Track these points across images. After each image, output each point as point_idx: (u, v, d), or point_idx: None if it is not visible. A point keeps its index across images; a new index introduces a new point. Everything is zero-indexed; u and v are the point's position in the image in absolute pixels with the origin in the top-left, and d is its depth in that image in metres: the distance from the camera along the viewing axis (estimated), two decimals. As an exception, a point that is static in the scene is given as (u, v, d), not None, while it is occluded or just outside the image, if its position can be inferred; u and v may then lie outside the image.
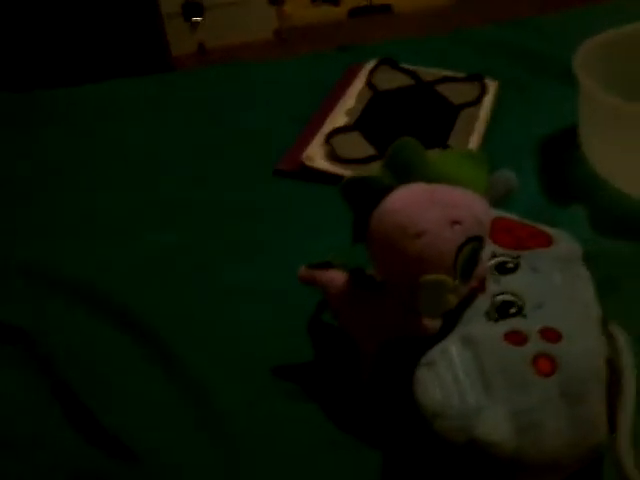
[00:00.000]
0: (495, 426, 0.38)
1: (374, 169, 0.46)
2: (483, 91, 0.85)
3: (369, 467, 0.46)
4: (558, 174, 0.72)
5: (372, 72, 0.90)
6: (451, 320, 0.46)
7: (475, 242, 0.44)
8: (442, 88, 0.87)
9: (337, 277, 0.50)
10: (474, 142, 0.77)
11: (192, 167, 0.78)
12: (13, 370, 0.55)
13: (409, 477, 0.46)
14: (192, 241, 0.67)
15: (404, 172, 0.45)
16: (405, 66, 0.91)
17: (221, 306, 0.60)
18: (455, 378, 0.42)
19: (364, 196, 0.45)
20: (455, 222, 0.43)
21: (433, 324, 0.45)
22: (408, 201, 0.44)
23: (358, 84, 0.88)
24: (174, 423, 0.51)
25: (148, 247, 0.66)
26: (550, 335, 0.42)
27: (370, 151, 0.77)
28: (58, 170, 0.77)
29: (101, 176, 0.77)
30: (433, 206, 0.43)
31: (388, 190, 0.45)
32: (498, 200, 0.57)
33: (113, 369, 0.55)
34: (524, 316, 0.44)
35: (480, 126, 0.79)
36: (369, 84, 0.88)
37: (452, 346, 0.44)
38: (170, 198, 0.73)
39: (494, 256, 0.49)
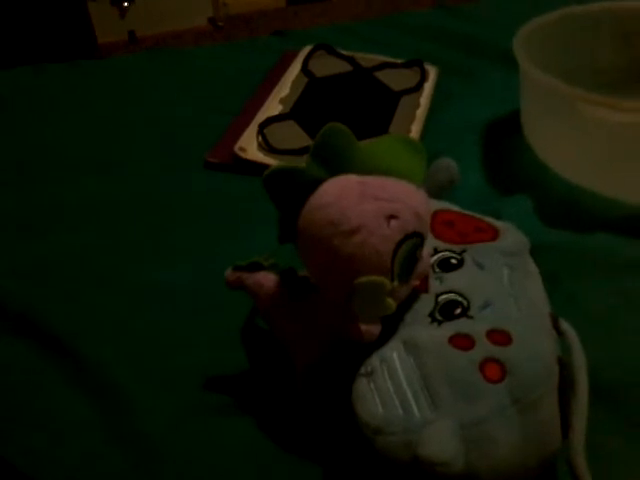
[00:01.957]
0: (441, 443, 0.35)
1: (302, 160, 0.41)
2: (423, 77, 0.82)
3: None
4: (502, 162, 0.69)
5: (308, 58, 0.86)
6: (391, 324, 0.42)
7: (414, 238, 0.40)
8: (381, 74, 0.84)
9: (267, 280, 0.45)
10: (416, 130, 0.73)
11: (116, 159, 0.72)
12: None
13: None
14: (110, 240, 0.62)
15: (333, 163, 0.40)
16: (342, 52, 0.87)
17: (141, 311, 0.54)
18: (397, 389, 0.38)
19: (290, 190, 0.40)
20: (391, 217, 0.39)
21: (371, 329, 0.40)
22: (339, 195, 0.39)
23: (293, 71, 0.84)
24: (88, 445, 0.45)
25: (62, 247, 0.60)
26: (498, 338, 0.39)
27: (306, 141, 0.72)
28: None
29: (9, 170, 0.70)
30: (366, 200, 0.39)
31: (316, 183, 0.40)
32: (439, 191, 0.53)
33: (17, 385, 0.49)
34: (470, 317, 0.41)
35: (421, 113, 0.76)
36: (305, 70, 0.84)
37: (393, 352, 0.40)
38: (90, 193, 0.67)
39: (436, 252, 0.46)
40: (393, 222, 0.39)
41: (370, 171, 0.40)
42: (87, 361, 0.50)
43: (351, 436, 0.40)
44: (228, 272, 0.47)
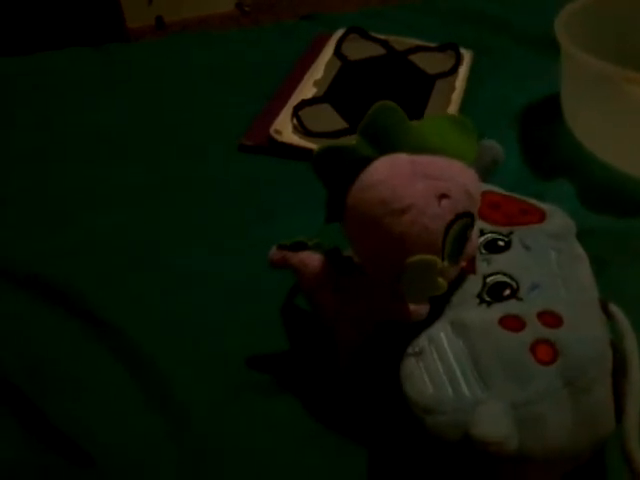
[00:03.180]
0: (494, 423, 0.34)
1: (350, 139, 0.41)
2: (458, 61, 0.81)
3: (354, 466, 0.42)
4: (541, 146, 0.68)
5: (341, 41, 0.85)
6: (439, 304, 0.42)
7: (465, 218, 0.39)
8: (415, 58, 0.83)
9: (311, 259, 0.45)
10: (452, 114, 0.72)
11: (150, 143, 0.72)
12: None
13: (399, 476, 0.42)
14: (144, 224, 0.62)
15: (384, 141, 0.40)
16: (376, 35, 0.86)
17: (183, 294, 0.54)
18: (447, 369, 0.38)
19: (339, 169, 0.40)
20: (443, 196, 0.39)
21: (420, 309, 0.40)
22: (390, 173, 0.39)
23: (326, 54, 0.83)
24: (135, 423, 0.46)
25: (96, 231, 0.60)
26: (549, 319, 0.38)
27: (341, 124, 0.72)
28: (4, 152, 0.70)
29: (44, 152, 0.70)
30: (418, 178, 0.38)
31: (366, 162, 0.40)
32: (483, 173, 0.52)
33: (65, 365, 0.49)
34: (520, 299, 0.40)
35: (457, 97, 0.75)
36: (338, 54, 0.83)
37: (441, 333, 0.40)
38: (123, 177, 0.67)
39: (482, 233, 0.45)
40: (444, 201, 0.38)
41: (420, 150, 0.40)
42: (128, 343, 0.50)
43: (396, 416, 0.40)
44: (272, 251, 0.47)
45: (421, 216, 0.38)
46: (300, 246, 0.46)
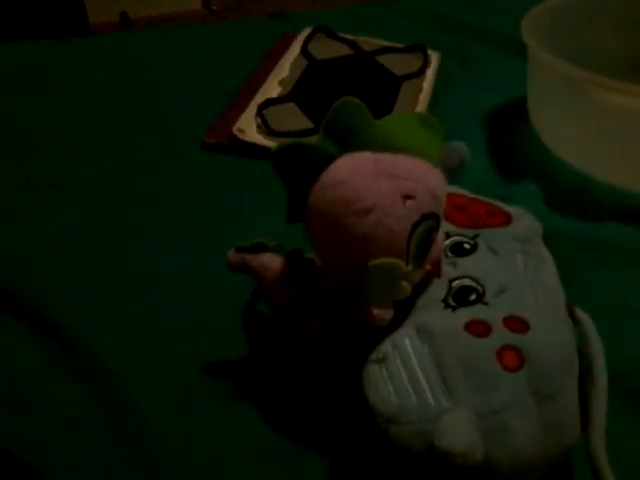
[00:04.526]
0: (460, 433, 0.33)
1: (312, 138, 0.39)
2: (426, 62, 0.80)
3: (316, 476, 0.40)
4: (508, 149, 0.67)
5: (307, 41, 0.84)
6: (403, 309, 0.41)
7: (431, 220, 0.38)
8: (383, 59, 0.82)
9: (272, 262, 0.43)
10: (418, 115, 0.71)
11: (109, 142, 0.69)
12: None
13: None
14: (106, 223, 0.59)
15: (347, 138, 0.38)
16: (343, 35, 0.85)
17: (139, 296, 0.52)
18: (411, 376, 0.36)
19: (300, 167, 0.39)
20: (408, 197, 0.37)
21: (384, 314, 0.39)
22: (352, 172, 0.37)
23: (292, 53, 0.82)
24: (82, 435, 0.43)
25: (58, 229, 0.58)
26: (515, 325, 0.37)
27: (307, 124, 0.70)
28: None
29: (5, 148, 0.67)
30: (382, 178, 0.37)
31: (328, 160, 0.38)
32: (448, 174, 0.51)
33: (11, 375, 0.47)
34: (485, 303, 0.39)
35: (424, 98, 0.74)
36: (304, 53, 0.82)
37: (406, 338, 0.38)
38: (85, 174, 0.64)
39: (448, 236, 0.44)
40: (409, 202, 0.37)
41: (385, 148, 0.39)
42: (83, 346, 0.48)
43: (360, 424, 0.39)
44: (230, 253, 0.45)
45: (385, 217, 0.36)
46: (260, 248, 0.44)
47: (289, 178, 0.39)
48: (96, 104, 0.75)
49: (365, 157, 0.38)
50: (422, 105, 0.73)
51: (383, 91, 0.76)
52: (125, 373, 0.46)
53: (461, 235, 0.44)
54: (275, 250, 0.44)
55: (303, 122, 0.71)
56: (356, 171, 0.37)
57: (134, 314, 0.50)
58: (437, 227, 0.39)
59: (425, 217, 0.38)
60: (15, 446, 0.42)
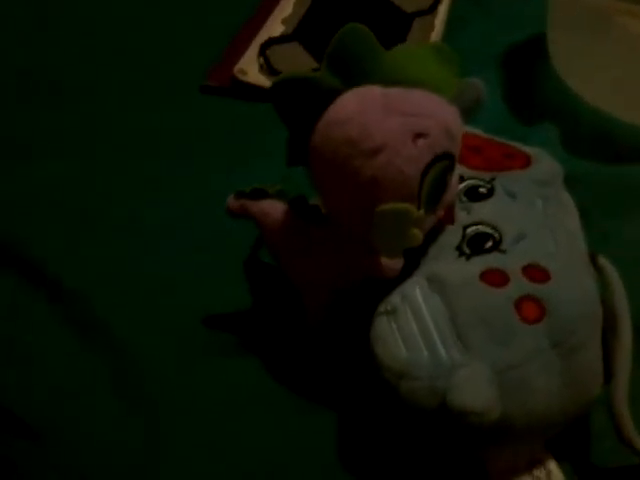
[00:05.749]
0: (475, 390, 0.31)
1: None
2: (437, -2, 0.75)
3: (323, 432, 0.39)
4: (525, 89, 0.64)
5: (312, -25, 0.79)
6: (414, 258, 0.38)
7: (445, 161, 0.35)
8: (392, -6, 0.77)
9: (274, 208, 0.41)
10: (430, 54, 0.67)
11: (100, 84, 0.66)
12: None
13: (370, 442, 0.38)
14: (99, 171, 0.56)
15: (353, 70, 0.35)
16: (350, -31, 0.80)
17: (137, 248, 0.50)
18: (422, 329, 0.34)
19: (301, 103, 0.35)
20: (419, 135, 0.34)
21: (393, 264, 0.36)
22: (359, 109, 0.34)
23: (296, -11, 0.77)
24: (84, 389, 0.42)
25: (46, 176, 0.55)
26: (535, 274, 0.35)
27: (312, 63, 0.67)
28: None
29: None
30: (391, 115, 0.34)
31: (333, 95, 0.35)
32: (464, 113, 0.48)
33: (10, 330, 0.45)
34: (502, 251, 0.36)
35: (436, 37, 0.70)
36: (309, -11, 0.77)
37: (416, 289, 0.36)
38: (75, 119, 0.61)
39: (462, 179, 0.41)
40: (421, 141, 0.34)
41: (395, 81, 0.35)
42: (79, 300, 0.46)
43: (369, 379, 0.37)
44: (230, 199, 0.42)
45: (395, 157, 0.33)
46: (260, 193, 0.41)
47: (290, 116, 0.36)
48: (83, 42, 0.70)
49: (373, 91, 0.35)
50: (434, 43, 0.69)
51: (392, 29, 0.72)
52: (121, 325, 0.44)
53: (476, 178, 0.41)
54: (277, 196, 0.41)
55: (308, 62, 0.67)
56: (363, 107, 0.34)
57: (133, 264, 0.48)
58: (451, 169, 0.36)
59: (438, 158, 0.35)
60: (17, 405, 0.40)
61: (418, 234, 0.34)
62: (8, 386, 0.42)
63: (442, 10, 0.74)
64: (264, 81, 0.65)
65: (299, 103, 0.35)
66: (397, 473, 0.37)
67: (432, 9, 0.74)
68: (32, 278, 0.47)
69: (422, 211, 0.35)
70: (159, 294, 0.47)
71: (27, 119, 0.62)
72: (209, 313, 0.45)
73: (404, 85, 0.35)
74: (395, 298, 0.36)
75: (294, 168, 0.41)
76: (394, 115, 0.34)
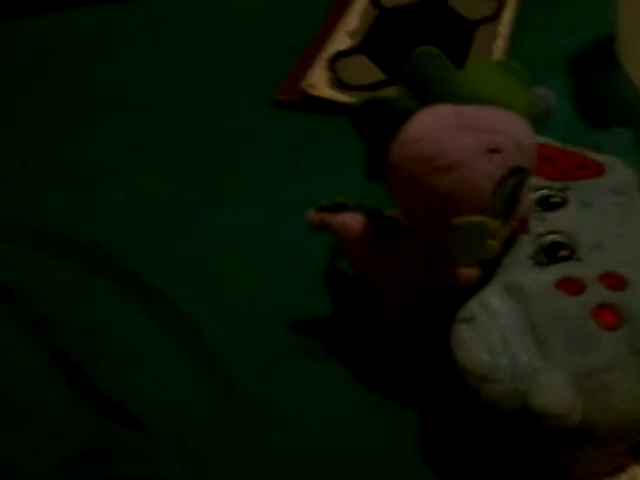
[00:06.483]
0: (556, 394, 0.32)
1: (389, 91, 0.38)
2: (501, 5, 0.76)
3: (403, 432, 0.41)
4: (595, 94, 0.63)
5: (376, -12, 0.81)
6: (490, 267, 0.39)
7: (518, 174, 0.36)
8: (455, 3, 0.78)
9: (353, 221, 0.43)
10: (496, 61, 0.68)
11: (179, 101, 0.69)
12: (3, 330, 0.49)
13: (450, 443, 0.40)
14: (184, 183, 0.59)
15: (426, 90, 0.37)
16: (413, -20, 0.82)
17: (222, 255, 0.53)
18: (501, 335, 0.35)
19: (379, 122, 0.37)
20: (493, 150, 0.35)
21: (470, 273, 0.38)
22: (434, 126, 0.36)
23: (360, 2, 0.79)
24: (179, 387, 0.45)
25: (136, 190, 0.59)
26: (612, 281, 0.35)
27: (379, 76, 0.68)
28: (22, 113, 0.68)
29: (71, 117, 0.68)
30: (466, 131, 0.35)
31: (408, 114, 0.37)
32: (535, 124, 0.49)
33: (113, 331, 0.49)
34: (579, 260, 0.37)
35: (500, 44, 0.71)
36: (373, 1, 0.79)
37: (494, 297, 0.37)
38: (157, 135, 0.65)
39: (535, 189, 0.42)
40: (495, 156, 0.35)
41: (468, 100, 0.37)
42: (172, 306, 0.49)
43: (448, 383, 0.38)
44: (311, 213, 0.45)
45: (469, 173, 0.35)
46: (340, 207, 0.43)
47: (368, 134, 0.38)
48: (163, 64, 0.74)
49: (446, 110, 0.36)
50: (498, 51, 0.70)
51: (456, 38, 0.73)
52: (209, 327, 0.47)
53: (549, 188, 0.42)
54: (356, 209, 0.43)
55: (376, 74, 0.69)
56: (437, 125, 0.36)
57: (215, 271, 0.51)
58: (524, 182, 0.37)
59: (512, 172, 0.36)
60: (119, 399, 0.44)
61: (494, 245, 0.36)
62: (107, 377, 0.45)
63: (506, 17, 0.75)
64: (332, 94, 0.67)
65: (377, 122, 0.37)
66: (477, 474, 0.39)
67: (495, 16, 0.75)
68: (126, 283, 0.51)
69: (497, 223, 0.36)
70: (243, 298, 0.49)
71: (117, 134, 0.66)
72: (293, 318, 0.47)
73: (476, 103, 0.37)
74: (474, 306, 0.37)
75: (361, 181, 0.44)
76: (468, 132, 0.35)
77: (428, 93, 0.37)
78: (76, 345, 0.47)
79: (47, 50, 0.77)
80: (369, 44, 0.73)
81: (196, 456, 0.41)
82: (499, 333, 0.35)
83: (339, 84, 0.68)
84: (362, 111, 0.37)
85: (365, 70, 0.69)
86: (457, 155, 0.35)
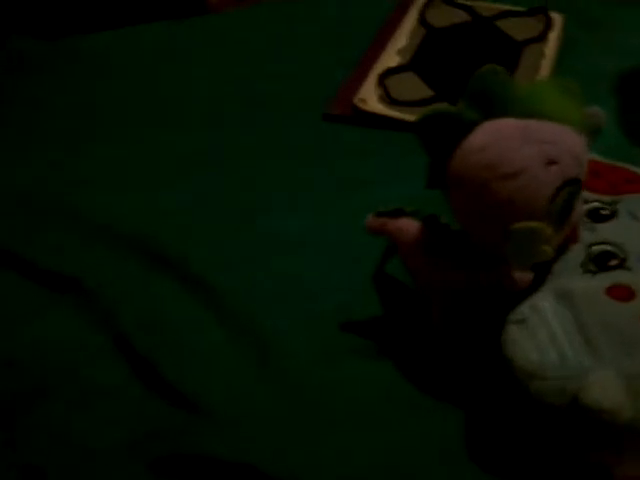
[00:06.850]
0: (607, 390, 0.34)
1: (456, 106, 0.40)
2: (548, 25, 0.78)
3: (451, 429, 0.43)
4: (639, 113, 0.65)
5: (424, 8, 0.83)
6: (540, 273, 0.41)
7: (573, 185, 0.38)
8: (502, 24, 0.80)
9: (409, 226, 0.45)
10: (542, 81, 0.70)
11: (236, 113, 0.73)
12: (68, 319, 0.52)
13: (497, 439, 0.42)
14: (246, 188, 0.63)
15: (490, 105, 0.39)
16: (460, 1, 0.84)
17: (277, 257, 0.55)
18: (552, 336, 0.37)
19: (443, 134, 0.40)
20: (552, 162, 0.38)
21: (523, 277, 0.40)
22: (497, 137, 0.38)
23: (409, 21, 0.82)
24: (239, 377, 0.48)
25: (199, 193, 0.62)
26: (661, 289, 0.37)
27: (427, 92, 0.71)
28: (102, 120, 0.72)
29: (139, 121, 0.72)
30: (527, 143, 0.38)
31: (471, 127, 0.40)
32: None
33: (175, 323, 0.52)
34: (628, 269, 0.39)
35: (547, 64, 0.73)
36: (422, 21, 0.82)
37: (545, 302, 0.39)
38: (206, 144, 0.68)
39: (586, 202, 0.44)
40: (554, 167, 0.38)
41: (528, 114, 0.39)
42: (232, 306, 0.52)
43: (494, 382, 0.40)
44: (370, 218, 0.47)
45: (531, 181, 0.37)
46: (398, 213, 0.46)
47: (431, 145, 0.41)
48: (221, 78, 0.78)
49: (509, 123, 0.39)
50: (545, 71, 0.72)
51: (503, 57, 0.75)
52: (270, 329, 0.49)
53: (598, 201, 0.44)
54: (413, 215, 0.46)
55: (423, 90, 0.71)
56: (501, 136, 0.38)
57: (275, 272, 0.54)
58: (578, 192, 0.40)
59: (567, 182, 0.38)
60: (181, 386, 0.46)
61: (549, 249, 0.38)
62: (170, 365, 0.48)
63: (552, 37, 0.77)
64: (383, 109, 0.70)
65: (441, 134, 0.40)
66: (523, 472, 0.40)
67: (542, 37, 0.77)
68: (188, 280, 0.54)
69: (552, 229, 0.38)
70: (301, 297, 0.52)
71: (186, 139, 0.69)
72: (347, 319, 0.50)
73: (536, 117, 0.39)
74: (525, 309, 0.39)
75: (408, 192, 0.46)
76: (529, 143, 0.38)
77: (491, 107, 0.39)
78: (140, 335, 0.50)
79: (105, 66, 0.81)
80: (417, 62, 0.75)
81: (251, 439, 0.44)
82: (549, 334, 0.37)
83: (389, 100, 0.70)
84: (427, 123, 0.40)
85: (413, 87, 0.72)
86: (519, 164, 0.37)
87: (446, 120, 0.40)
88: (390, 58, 0.76)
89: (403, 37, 0.79)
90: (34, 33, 0.87)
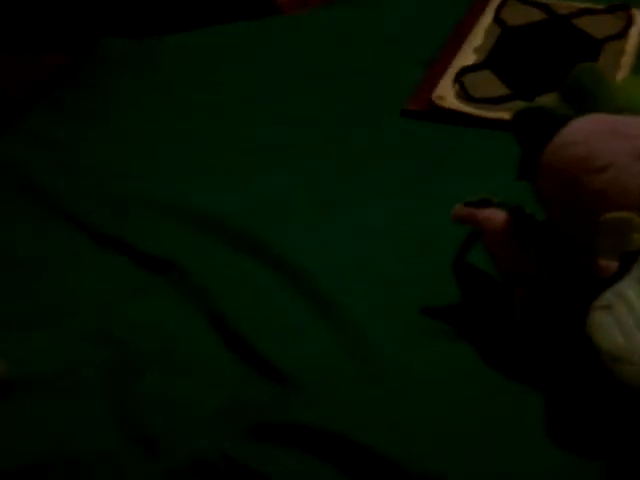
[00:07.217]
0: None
1: (549, 100, 0.42)
2: (629, 22, 0.78)
3: (532, 411, 0.44)
4: None
5: (500, 7, 0.84)
6: (624, 262, 0.42)
7: (662, 178, 0.39)
8: (580, 21, 0.80)
9: (496, 215, 0.47)
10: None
11: (317, 109, 0.75)
12: (163, 300, 0.56)
13: (577, 421, 0.43)
14: (329, 180, 0.66)
15: (584, 101, 0.41)
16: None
17: (361, 247, 0.58)
18: (637, 322, 0.38)
19: (537, 128, 0.41)
20: (641, 156, 0.39)
21: (610, 266, 0.41)
22: (590, 132, 0.40)
23: (485, 20, 0.83)
24: (323, 352, 0.51)
25: (287, 183, 0.65)
26: None
27: (503, 90, 0.72)
28: (187, 115, 0.76)
29: (217, 119, 0.75)
30: (618, 138, 0.39)
31: (564, 121, 0.41)
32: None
33: (263, 302, 0.55)
34: None
35: (628, 61, 0.73)
36: (497, 20, 0.83)
37: (630, 290, 0.40)
38: (284, 138, 0.71)
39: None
40: (644, 161, 0.39)
41: (620, 110, 0.40)
42: (318, 288, 0.54)
43: (579, 365, 0.41)
44: (458, 207, 0.49)
45: (620, 174, 0.39)
46: (485, 203, 0.48)
47: (525, 138, 0.42)
48: (294, 76, 0.80)
49: (601, 118, 0.40)
50: (625, 69, 0.72)
51: (582, 55, 0.75)
52: (354, 310, 0.52)
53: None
54: (499, 205, 0.48)
55: (500, 88, 0.73)
56: (593, 131, 0.40)
57: (358, 257, 0.57)
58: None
59: (656, 175, 0.39)
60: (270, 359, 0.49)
61: (639, 239, 0.39)
62: (260, 341, 0.51)
63: (634, 33, 0.77)
64: (460, 106, 0.71)
65: (535, 128, 0.41)
66: (600, 454, 0.42)
67: (623, 33, 0.77)
68: (275, 262, 0.57)
69: (641, 219, 0.39)
70: (383, 282, 0.55)
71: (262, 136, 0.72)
72: (428, 304, 0.52)
73: (629, 113, 0.40)
74: (610, 296, 0.40)
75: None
76: (619, 138, 0.39)
77: (585, 103, 0.41)
78: (231, 312, 0.53)
79: (194, 64, 0.85)
80: (493, 60, 0.77)
81: (334, 407, 0.47)
82: (635, 320, 0.38)
83: (465, 97, 0.72)
84: (523, 117, 0.42)
85: (490, 84, 0.73)
86: (610, 157, 0.39)
87: (541, 115, 0.41)
88: (466, 56, 0.78)
89: (479, 36, 0.81)
90: (117, 34, 0.91)
